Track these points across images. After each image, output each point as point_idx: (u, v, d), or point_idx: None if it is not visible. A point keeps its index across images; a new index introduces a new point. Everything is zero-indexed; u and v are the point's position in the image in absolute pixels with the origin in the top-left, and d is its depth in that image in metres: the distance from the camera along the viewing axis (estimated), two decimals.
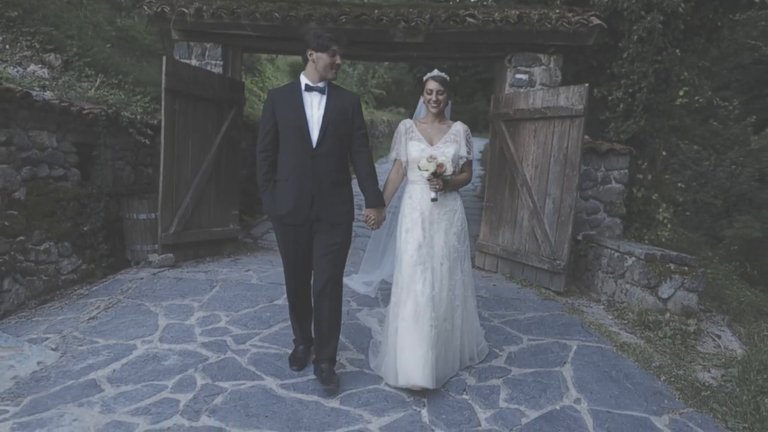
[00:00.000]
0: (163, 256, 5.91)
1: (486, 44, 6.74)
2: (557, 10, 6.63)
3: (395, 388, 3.58)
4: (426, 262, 3.60)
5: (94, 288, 5.31)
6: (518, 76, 6.91)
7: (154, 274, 5.66)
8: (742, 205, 10.10)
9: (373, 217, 3.64)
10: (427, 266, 3.60)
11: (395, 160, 3.84)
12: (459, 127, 3.82)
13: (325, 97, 3.48)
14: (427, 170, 3.56)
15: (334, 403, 3.42)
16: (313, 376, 3.69)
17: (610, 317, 5.36)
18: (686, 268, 5.28)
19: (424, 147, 3.71)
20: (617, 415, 3.46)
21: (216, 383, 3.57)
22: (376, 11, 6.47)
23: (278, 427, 3.13)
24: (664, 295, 5.27)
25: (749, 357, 4.35)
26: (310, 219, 3.49)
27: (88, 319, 4.50)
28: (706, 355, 4.68)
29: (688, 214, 9.36)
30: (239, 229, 7.17)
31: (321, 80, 3.47)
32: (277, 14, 6.35)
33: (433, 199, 3.65)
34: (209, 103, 6.38)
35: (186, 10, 6.36)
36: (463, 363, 3.90)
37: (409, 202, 3.73)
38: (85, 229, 5.63)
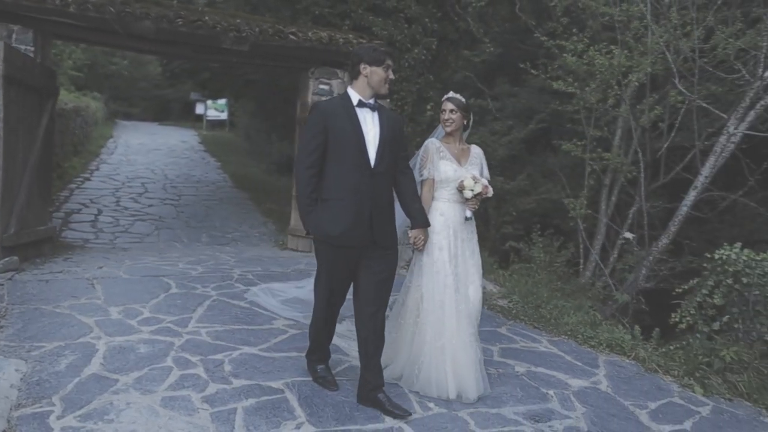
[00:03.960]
0: (7, 259, 5.41)
1: (298, 57, 7.84)
2: (350, 34, 8.17)
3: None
4: (461, 277, 3.81)
5: None
6: (321, 86, 8.22)
7: (9, 279, 5.21)
8: None
9: (422, 237, 3.70)
10: (463, 281, 3.82)
11: (425, 179, 3.90)
12: (478, 150, 4.10)
13: (376, 114, 3.46)
14: (472, 190, 3.73)
15: None
16: (279, 339, 4.46)
17: None
18: None
19: (456, 167, 3.87)
20: (479, 331, 5.25)
21: (208, 357, 4.03)
22: (207, 17, 6.94)
23: (297, 374, 3.87)
24: None
25: (516, 290, 6.73)
26: (366, 241, 3.38)
27: None
28: (488, 293, 6.92)
29: None
30: (56, 227, 6.73)
31: (372, 96, 3.45)
32: (111, 8, 6.26)
33: (468, 218, 3.86)
34: (34, 92, 5.95)
35: None
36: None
37: (442, 219, 3.84)
38: None
